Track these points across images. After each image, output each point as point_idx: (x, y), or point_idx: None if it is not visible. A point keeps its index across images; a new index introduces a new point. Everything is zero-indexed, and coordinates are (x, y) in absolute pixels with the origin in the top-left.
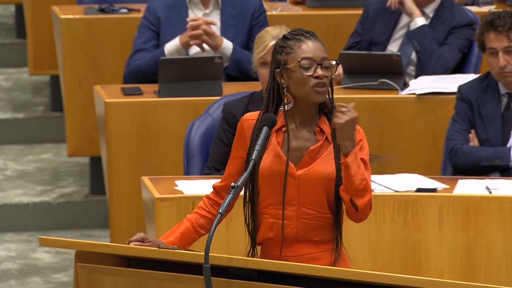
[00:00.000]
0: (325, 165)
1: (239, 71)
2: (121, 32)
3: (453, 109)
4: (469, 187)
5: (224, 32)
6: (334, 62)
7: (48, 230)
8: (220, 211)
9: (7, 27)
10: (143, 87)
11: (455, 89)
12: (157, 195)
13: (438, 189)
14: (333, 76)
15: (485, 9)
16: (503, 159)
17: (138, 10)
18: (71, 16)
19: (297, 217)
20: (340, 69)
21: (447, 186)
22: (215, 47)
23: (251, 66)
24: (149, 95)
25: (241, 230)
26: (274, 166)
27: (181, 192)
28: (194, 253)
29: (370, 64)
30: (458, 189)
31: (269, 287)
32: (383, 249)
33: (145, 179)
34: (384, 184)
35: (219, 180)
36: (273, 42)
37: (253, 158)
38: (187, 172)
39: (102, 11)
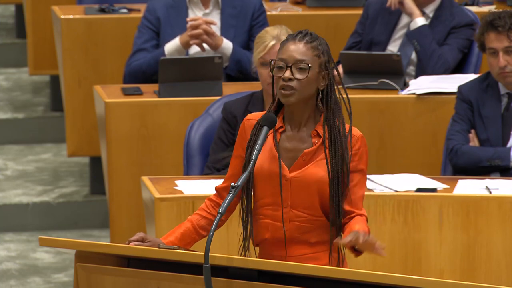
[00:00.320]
0: (318, 168)
1: (239, 71)
2: (121, 32)
3: (453, 109)
4: (469, 187)
5: (224, 32)
6: (306, 65)
7: (48, 230)
8: (220, 211)
9: (7, 27)
10: (143, 87)
11: (455, 89)
12: (157, 195)
13: (438, 189)
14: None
15: (485, 9)
16: (503, 159)
17: (138, 10)
18: (71, 16)
19: (289, 219)
20: (340, 69)
21: (447, 186)
22: (215, 47)
23: (251, 66)
24: (149, 95)
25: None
26: (268, 167)
27: (181, 192)
28: (194, 253)
29: (370, 64)
30: (458, 189)
31: (269, 287)
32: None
33: (145, 179)
34: (384, 184)
35: (220, 180)
36: (273, 42)
37: (253, 158)
38: (187, 172)
39: (102, 11)
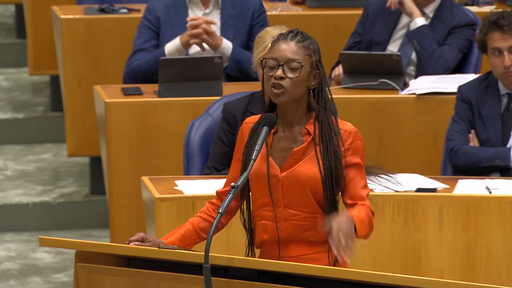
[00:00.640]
0: (308, 166)
1: (239, 71)
2: (121, 32)
3: (453, 109)
4: (469, 187)
5: (224, 32)
6: (297, 65)
7: (48, 230)
8: (220, 211)
9: (7, 27)
10: (143, 87)
11: (455, 89)
12: (157, 195)
13: (438, 189)
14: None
15: (485, 9)
16: (503, 160)
17: (138, 10)
18: (71, 16)
19: (284, 218)
20: (340, 69)
21: (447, 186)
22: (215, 46)
23: (251, 66)
24: (149, 95)
25: (241, 231)
26: (259, 168)
27: (181, 192)
28: (194, 253)
29: (370, 64)
30: (458, 189)
31: (269, 287)
32: (383, 249)
33: (145, 179)
34: (384, 184)
35: (220, 180)
36: None
37: (252, 158)
38: (187, 172)
39: (102, 11)
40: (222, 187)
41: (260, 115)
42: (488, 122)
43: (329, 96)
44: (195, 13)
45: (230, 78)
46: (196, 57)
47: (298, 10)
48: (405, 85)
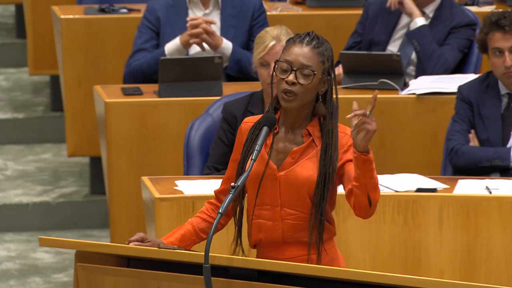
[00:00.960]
0: (307, 166)
1: (239, 71)
2: (121, 32)
3: (453, 109)
4: (469, 187)
5: (224, 32)
6: (311, 72)
7: (48, 230)
8: (220, 211)
9: (7, 27)
10: (143, 87)
11: (455, 89)
12: (157, 195)
13: (438, 189)
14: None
15: (485, 9)
16: (503, 160)
17: (138, 10)
18: (71, 16)
19: (281, 217)
20: (340, 69)
21: (447, 186)
22: (215, 46)
23: (251, 66)
24: (149, 95)
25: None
26: (257, 167)
27: (181, 192)
28: (194, 253)
29: (370, 64)
30: (458, 189)
31: (269, 287)
32: (383, 249)
33: (145, 179)
34: (384, 184)
35: (220, 181)
36: (273, 43)
37: (253, 158)
38: (187, 172)
39: (102, 11)
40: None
41: (259, 115)
42: (488, 122)
43: (335, 96)
44: (195, 13)
45: (230, 78)
46: (196, 57)
47: (298, 10)
48: (405, 85)
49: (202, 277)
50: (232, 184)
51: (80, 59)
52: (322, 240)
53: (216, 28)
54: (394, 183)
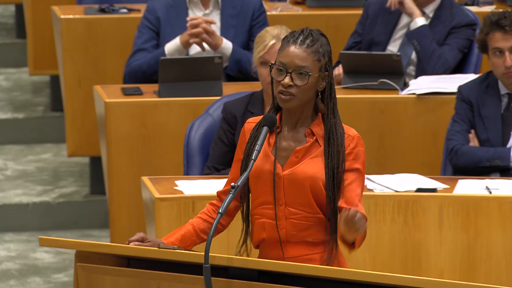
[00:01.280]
0: (310, 166)
1: (239, 71)
2: (121, 32)
3: (453, 109)
4: (469, 187)
5: (224, 32)
6: (306, 72)
7: (48, 230)
8: (220, 211)
9: (7, 27)
10: (143, 87)
11: (455, 89)
12: (157, 195)
13: (438, 189)
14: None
15: (485, 9)
16: (503, 160)
17: (138, 10)
18: (71, 16)
19: (285, 216)
20: (340, 69)
21: (447, 186)
22: (214, 46)
23: (251, 66)
24: (149, 95)
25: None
26: (261, 166)
27: (181, 192)
28: (194, 253)
29: (370, 64)
30: (458, 189)
31: (269, 287)
32: (383, 249)
33: (145, 179)
34: (384, 184)
35: (220, 180)
36: (273, 42)
37: (252, 158)
38: (187, 172)
39: (102, 11)
40: (222, 187)
41: (262, 115)
42: (488, 122)
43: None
44: (195, 14)
45: (230, 78)
46: (196, 57)
47: (298, 10)
48: (405, 85)
49: (202, 277)
50: (232, 184)
51: (80, 59)
52: (337, 239)
53: (216, 28)
54: (394, 183)
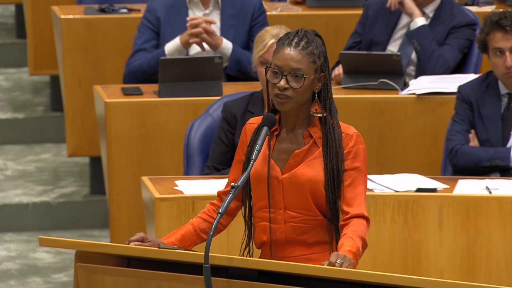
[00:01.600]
0: (309, 168)
1: (239, 71)
2: (121, 32)
3: (453, 109)
4: (469, 187)
5: (224, 32)
6: (301, 75)
7: (48, 230)
8: (220, 211)
9: (7, 27)
10: (143, 87)
11: (455, 89)
12: (157, 195)
13: (438, 189)
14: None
15: (485, 9)
16: (503, 160)
17: (138, 10)
18: (71, 16)
19: (284, 220)
20: (340, 69)
21: (447, 186)
22: (214, 46)
23: (251, 66)
24: (149, 95)
25: (241, 231)
26: (260, 170)
27: (181, 192)
28: (194, 253)
29: (370, 64)
30: (458, 189)
31: (269, 287)
32: (383, 249)
33: (145, 179)
34: (384, 184)
35: (220, 180)
36: (272, 41)
37: (253, 158)
38: (187, 172)
39: (102, 11)
40: (223, 187)
41: (262, 115)
42: (488, 122)
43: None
44: (195, 14)
45: (230, 78)
46: (196, 57)
47: (298, 10)
48: (405, 85)
49: (202, 277)
50: (233, 184)
51: (80, 59)
52: (338, 240)
53: (216, 28)
54: (394, 183)
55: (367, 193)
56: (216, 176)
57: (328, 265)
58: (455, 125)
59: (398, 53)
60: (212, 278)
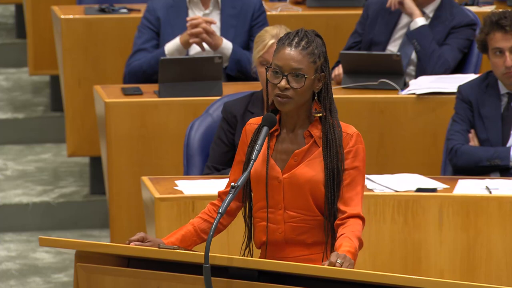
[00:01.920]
0: (309, 168)
1: (239, 71)
2: (121, 32)
3: (453, 109)
4: (469, 187)
5: (224, 32)
6: (302, 75)
7: (48, 230)
8: (220, 211)
9: (7, 27)
10: (143, 87)
11: (455, 89)
12: (157, 195)
13: (438, 189)
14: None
15: (485, 9)
16: (503, 159)
17: (138, 10)
18: (71, 16)
19: (283, 220)
20: (340, 69)
21: (447, 186)
22: (214, 46)
23: (251, 66)
24: (149, 95)
25: (241, 231)
26: (260, 170)
27: (181, 192)
28: (194, 253)
29: (370, 64)
30: (458, 189)
31: (269, 287)
32: (383, 249)
33: (145, 179)
34: (384, 184)
35: (220, 180)
36: (272, 41)
37: (253, 158)
38: (187, 172)
39: (102, 11)
40: (222, 187)
41: (262, 115)
42: (488, 122)
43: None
44: (195, 14)
45: (230, 78)
46: (196, 57)
47: (298, 10)
48: (405, 85)
49: (202, 277)
50: (233, 184)
51: (80, 59)
52: (334, 239)
53: (216, 28)
54: (394, 183)
55: (366, 193)
56: (216, 176)
57: (328, 265)
58: (455, 125)
59: (398, 53)
60: (212, 278)
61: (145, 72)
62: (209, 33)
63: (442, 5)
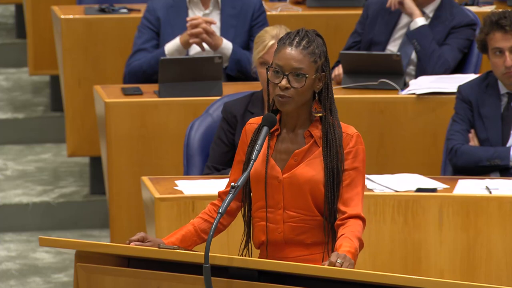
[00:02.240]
0: (309, 168)
1: (239, 71)
2: (121, 32)
3: (453, 109)
4: (469, 187)
5: (224, 32)
6: (303, 75)
7: (48, 230)
8: (220, 210)
9: (7, 27)
10: (143, 87)
11: (455, 89)
12: (157, 195)
13: (438, 189)
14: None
15: (485, 9)
16: (502, 159)
17: (138, 10)
18: (71, 16)
19: (283, 220)
20: (340, 69)
21: (447, 186)
22: (214, 46)
23: (251, 66)
24: (149, 95)
25: (241, 231)
26: (260, 169)
27: (181, 192)
28: (194, 253)
29: (370, 64)
30: (458, 189)
31: (269, 287)
32: (383, 249)
33: (145, 179)
34: (384, 184)
35: (220, 180)
36: (272, 42)
37: (253, 158)
38: (187, 172)
39: (102, 11)
40: (222, 187)
41: (262, 115)
42: (488, 122)
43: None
44: (195, 14)
45: (230, 78)
46: (196, 57)
47: (298, 10)
48: (405, 85)
49: (202, 277)
50: (233, 184)
51: (80, 59)
52: (334, 239)
53: (216, 28)
54: (394, 183)
55: (366, 193)
56: (216, 176)
57: (328, 265)
58: (455, 124)
59: (398, 53)
60: (212, 278)
61: (145, 72)
62: (209, 33)
63: (442, 5)
